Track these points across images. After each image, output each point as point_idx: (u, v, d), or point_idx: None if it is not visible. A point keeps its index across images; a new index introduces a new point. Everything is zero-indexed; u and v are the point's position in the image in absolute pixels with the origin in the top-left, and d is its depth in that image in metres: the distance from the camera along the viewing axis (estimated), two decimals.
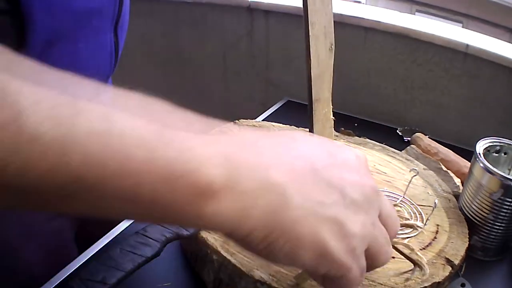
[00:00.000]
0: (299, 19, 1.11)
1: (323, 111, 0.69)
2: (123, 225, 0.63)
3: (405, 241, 0.54)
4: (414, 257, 0.50)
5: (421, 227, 0.57)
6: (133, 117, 0.26)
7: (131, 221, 0.64)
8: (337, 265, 0.30)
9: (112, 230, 0.62)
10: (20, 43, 0.46)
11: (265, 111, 1.00)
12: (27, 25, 0.45)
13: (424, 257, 0.51)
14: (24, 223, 0.59)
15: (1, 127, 0.22)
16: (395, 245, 0.51)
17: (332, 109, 0.71)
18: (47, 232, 0.62)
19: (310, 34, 0.61)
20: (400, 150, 0.77)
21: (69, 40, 0.51)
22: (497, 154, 0.63)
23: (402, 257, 0.52)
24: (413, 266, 0.50)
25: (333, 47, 0.65)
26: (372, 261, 0.32)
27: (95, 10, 0.52)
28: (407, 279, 0.49)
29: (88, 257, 0.57)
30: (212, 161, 0.26)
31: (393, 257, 0.51)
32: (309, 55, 0.63)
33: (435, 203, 0.57)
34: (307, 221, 0.28)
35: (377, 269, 0.49)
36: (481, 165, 0.57)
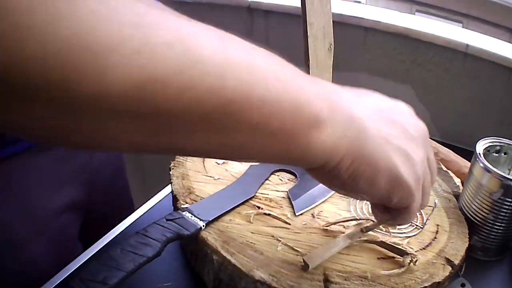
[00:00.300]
0: (299, 19, 1.11)
1: None
2: (125, 223, 0.63)
3: (405, 242, 0.54)
4: (401, 248, 0.51)
5: (421, 227, 0.57)
6: (264, 53, 0.30)
7: (131, 221, 0.64)
8: (407, 191, 0.36)
9: (113, 230, 0.62)
10: None
11: None
12: None
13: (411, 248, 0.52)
14: (34, 218, 0.59)
15: (170, 45, 0.23)
16: (378, 240, 0.52)
17: None
18: (54, 227, 0.63)
19: (308, 34, 0.62)
20: None
21: None
22: (497, 154, 0.63)
23: (402, 256, 0.52)
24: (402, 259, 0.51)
25: (332, 47, 0.65)
26: (426, 187, 0.38)
27: None
28: (401, 267, 0.50)
29: (90, 256, 0.58)
30: (319, 97, 0.31)
31: (393, 257, 0.52)
32: (308, 56, 0.63)
33: (435, 203, 0.57)
34: (382, 148, 0.34)
35: (377, 269, 0.49)
36: (481, 165, 0.57)
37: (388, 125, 0.35)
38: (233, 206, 0.56)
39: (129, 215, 0.66)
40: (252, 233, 0.53)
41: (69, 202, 0.64)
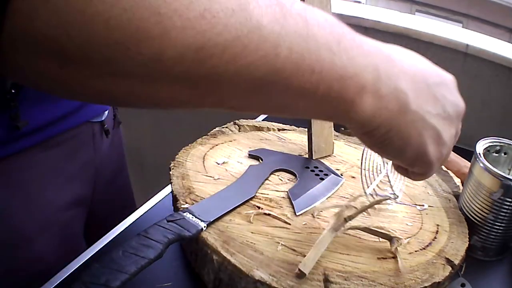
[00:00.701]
0: None
1: None
2: (125, 223, 0.63)
3: (405, 241, 0.54)
4: (386, 232, 0.53)
5: (396, 195, 0.61)
6: (323, 23, 0.31)
7: (132, 221, 0.64)
8: (427, 166, 0.39)
9: (113, 230, 0.62)
10: None
11: None
12: None
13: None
14: (40, 214, 0.60)
15: (232, 12, 0.25)
16: (362, 227, 0.53)
17: None
18: (60, 222, 0.63)
19: None
20: None
21: None
22: (497, 154, 0.63)
23: (403, 257, 0.52)
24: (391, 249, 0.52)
25: None
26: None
27: None
28: (390, 252, 0.52)
29: (91, 255, 0.58)
30: (367, 69, 0.33)
31: (393, 257, 0.52)
32: None
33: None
34: (417, 125, 0.36)
35: (377, 269, 0.49)
36: (481, 165, 0.57)
37: (429, 102, 0.37)
38: (233, 207, 0.56)
39: (131, 212, 0.66)
40: (252, 233, 0.53)
41: (74, 198, 0.65)
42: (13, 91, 0.48)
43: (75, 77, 0.23)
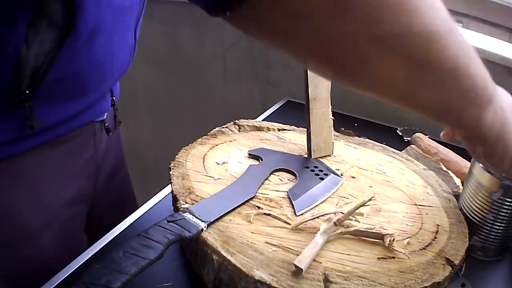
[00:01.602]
0: None
1: (321, 110, 0.69)
2: (126, 223, 0.63)
3: (405, 241, 0.55)
4: (376, 231, 0.53)
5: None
6: (459, 33, 0.36)
7: (132, 220, 0.64)
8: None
9: (113, 230, 0.62)
10: (67, 31, 0.48)
11: (265, 111, 1.00)
12: (78, 14, 0.48)
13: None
14: (44, 210, 0.60)
15: (442, 11, 0.33)
16: (353, 230, 0.53)
17: (332, 109, 0.71)
18: (63, 219, 0.64)
19: None
20: (400, 150, 0.77)
21: (106, 33, 0.54)
22: None
23: (403, 257, 0.52)
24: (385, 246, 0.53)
25: None
26: None
27: (128, 8, 0.57)
28: (388, 247, 0.52)
29: (90, 256, 0.58)
30: (489, 82, 0.41)
31: (393, 257, 0.52)
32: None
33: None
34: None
35: (377, 269, 0.49)
36: (481, 165, 0.57)
37: None
38: (234, 207, 0.56)
39: (132, 207, 0.66)
40: (252, 233, 0.53)
41: (76, 195, 0.66)
42: (27, 91, 0.49)
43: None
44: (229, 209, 0.55)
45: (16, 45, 0.45)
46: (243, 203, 0.57)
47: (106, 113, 0.69)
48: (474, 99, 0.39)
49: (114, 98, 0.70)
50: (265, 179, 0.63)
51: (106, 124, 0.70)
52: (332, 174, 0.65)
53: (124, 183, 0.83)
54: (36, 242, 0.60)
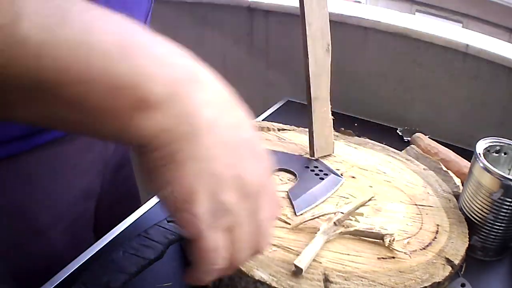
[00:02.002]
0: (299, 19, 1.11)
1: (322, 109, 0.69)
2: (126, 222, 0.63)
3: (405, 241, 0.54)
4: (376, 231, 0.53)
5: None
6: (112, 28, 0.29)
7: (132, 220, 0.64)
8: (187, 221, 0.31)
9: (113, 230, 0.62)
10: None
11: (265, 111, 1.00)
12: None
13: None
14: (54, 206, 0.61)
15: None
16: (353, 230, 0.53)
17: (331, 108, 0.71)
18: (72, 215, 0.64)
19: (307, 33, 0.62)
20: (400, 150, 0.77)
21: None
22: (497, 154, 0.63)
23: (403, 257, 0.52)
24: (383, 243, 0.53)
25: (330, 48, 0.66)
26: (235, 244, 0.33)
27: (136, 3, 0.55)
28: (388, 247, 0.52)
29: (89, 256, 0.58)
30: (159, 80, 0.29)
31: (393, 257, 0.52)
32: (307, 54, 0.63)
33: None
34: (196, 165, 0.30)
35: (377, 269, 0.49)
36: (481, 165, 0.57)
37: (224, 154, 0.31)
38: None
39: (136, 203, 0.66)
40: None
41: (85, 192, 0.66)
42: None
43: None
44: None
45: None
46: None
47: None
48: (116, 101, 0.28)
49: None
50: None
51: None
52: (332, 174, 0.65)
53: (129, 179, 0.83)
54: (45, 239, 0.61)
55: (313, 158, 0.70)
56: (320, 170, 0.66)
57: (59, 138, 0.58)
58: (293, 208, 0.58)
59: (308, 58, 0.64)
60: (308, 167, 0.67)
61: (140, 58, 0.29)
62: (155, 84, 0.29)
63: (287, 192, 0.61)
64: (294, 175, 0.65)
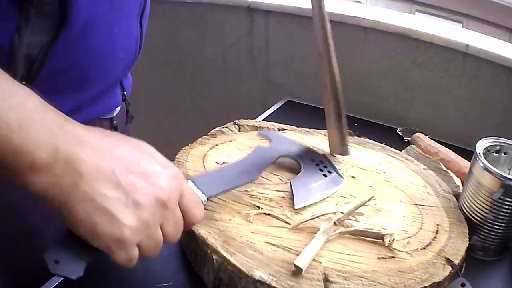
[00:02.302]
0: (299, 19, 1.11)
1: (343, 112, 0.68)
2: None
3: (405, 241, 0.54)
4: (376, 231, 0.53)
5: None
6: (11, 105, 0.35)
7: None
8: (105, 245, 0.39)
9: None
10: (63, 21, 0.48)
11: (265, 111, 1.00)
12: (70, 5, 0.48)
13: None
14: (47, 205, 0.60)
15: None
16: (353, 229, 0.53)
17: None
18: None
19: (329, 41, 0.62)
20: (400, 150, 0.77)
21: (104, 24, 0.54)
22: (497, 154, 0.63)
23: (403, 257, 0.52)
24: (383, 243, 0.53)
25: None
26: (145, 251, 0.41)
27: None
28: (388, 246, 0.52)
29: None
30: (44, 148, 0.36)
31: (393, 257, 0.52)
32: (330, 62, 0.63)
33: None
34: (86, 204, 0.38)
35: (377, 269, 0.49)
36: (481, 165, 0.57)
37: (108, 186, 0.38)
38: (235, 185, 0.56)
39: None
40: (252, 232, 0.53)
41: None
42: (23, 83, 0.49)
43: None
44: (231, 187, 0.55)
45: (10, 37, 0.46)
46: (245, 183, 0.57)
47: (116, 110, 0.69)
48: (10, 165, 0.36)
49: (125, 92, 0.69)
50: (270, 163, 0.62)
51: (114, 122, 0.70)
52: (335, 173, 0.65)
53: None
54: (39, 238, 0.60)
55: (320, 153, 0.69)
56: (325, 167, 0.66)
57: None
58: (293, 200, 0.58)
59: (332, 66, 0.64)
60: (313, 161, 0.66)
61: (31, 129, 0.36)
62: (42, 152, 0.36)
63: (289, 182, 0.61)
64: (298, 168, 0.65)
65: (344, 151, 0.69)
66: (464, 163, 0.74)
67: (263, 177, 0.64)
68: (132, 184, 0.39)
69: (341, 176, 0.65)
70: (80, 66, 0.54)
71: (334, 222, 0.53)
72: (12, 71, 0.48)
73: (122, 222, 0.38)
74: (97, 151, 0.38)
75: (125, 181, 0.39)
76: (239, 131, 0.77)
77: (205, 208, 0.55)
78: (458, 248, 0.54)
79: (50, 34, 0.49)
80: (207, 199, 0.51)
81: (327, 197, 0.61)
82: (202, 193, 0.51)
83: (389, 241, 0.52)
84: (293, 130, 0.80)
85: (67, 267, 0.41)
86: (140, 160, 0.41)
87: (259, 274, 0.47)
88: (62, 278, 0.54)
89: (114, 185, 0.38)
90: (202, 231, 0.52)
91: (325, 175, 0.64)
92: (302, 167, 0.64)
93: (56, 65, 0.50)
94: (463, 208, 0.62)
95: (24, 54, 0.48)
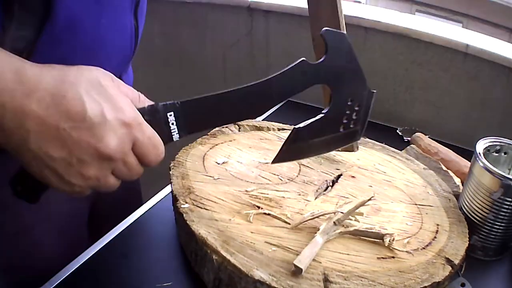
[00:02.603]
0: (299, 19, 1.11)
1: None
2: (126, 222, 0.63)
3: (405, 241, 0.54)
4: (376, 231, 0.53)
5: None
6: None
7: (132, 220, 0.64)
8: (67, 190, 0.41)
9: (112, 230, 0.62)
10: (47, 14, 0.48)
11: None
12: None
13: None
14: (42, 203, 0.60)
15: None
16: (353, 229, 0.53)
17: None
18: (60, 213, 0.63)
19: None
20: (400, 150, 0.77)
21: (92, 16, 0.53)
22: (497, 154, 0.63)
23: (403, 257, 0.52)
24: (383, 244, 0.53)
25: None
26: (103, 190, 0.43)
27: None
28: (388, 246, 0.52)
29: (97, 249, 0.58)
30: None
31: (393, 257, 0.52)
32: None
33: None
34: (37, 163, 0.39)
35: (377, 269, 0.49)
36: (481, 164, 0.57)
37: (52, 146, 0.38)
38: (223, 123, 0.51)
39: (137, 207, 0.66)
40: (251, 232, 0.53)
41: None
42: None
43: None
44: (216, 126, 0.50)
45: None
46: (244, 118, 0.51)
47: None
48: None
49: None
50: (272, 106, 0.52)
51: None
52: (358, 128, 0.56)
53: (131, 185, 0.83)
54: (31, 236, 0.61)
55: (367, 91, 0.59)
56: (356, 115, 0.56)
57: None
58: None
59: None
60: (346, 100, 0.54)
61: None
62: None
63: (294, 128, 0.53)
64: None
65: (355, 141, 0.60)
66: (464, 163, 0.74)
67: (263, 177, 0.64)
68: (76, 142, 0.38)
69: (360, 134, 0.57)
70: (68, 60, 0.53)
71: (334, 222, 0.53)
72: None
73: (70, 182, 0.40)
74: (44, 104, 0.38)
75: (69, 139, 0.38)
76: (239, 131, 0.78)
77: (205, 209, 0.56)
78: (458, 248, 0.54)
79: (35, 29, 0.48)
80: (179, 138, 0.46)
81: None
82: (177, 132, 0.46)
83: (389, 241, 0.52)
84: None
85: (27, 194, 0.44)
86: (86, 110, 0.39)
87: (259, 274, 0.47)
88: (62, 278, 0.54)
89: (58, 144, 0.38)
90: (202, 231, 0.52)
91: (345, 128, 0.55)
92: (331, 99, 0.53)
93: (44, 59, 0.50)
94: (463, 207, 0.62)
95: (9, 48, 0.48)
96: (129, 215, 0.65)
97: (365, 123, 0.58)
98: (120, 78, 0.68)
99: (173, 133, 0.46)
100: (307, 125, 0.52)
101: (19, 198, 0.44)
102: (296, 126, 0.52)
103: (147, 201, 0.68)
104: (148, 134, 0.42)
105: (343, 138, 0.56)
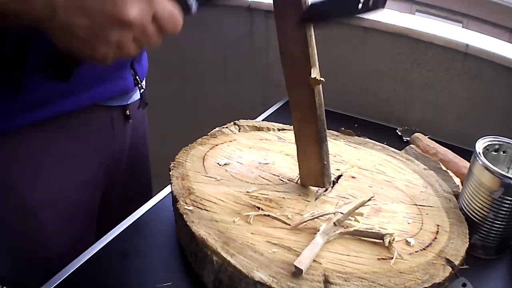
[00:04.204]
0: None
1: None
2: (126, 223, 0.63)
3: (412, 242, 0.54)
4: (375, 231, 0.53)
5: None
6: None
7: (131, 221, 0.64)
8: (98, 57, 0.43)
9: (112, 230, 0.62)
10: None
11: (265, 111, 1.00)
12: None
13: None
14: (45, 188, 0.61)
15: None
16: (353, 230, 0.53)
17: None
18: (66, 200, 0.64)
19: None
20: (400, 150, 0.77)
21: None
22: (496, 153, 0.63)
23: (403, 258, 0.52)
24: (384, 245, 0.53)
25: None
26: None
27: None
28: (386, 248, 0.52)
29: (103, 244, 0.59)
30: None
31: (393, 257, 0.51)
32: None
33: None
34: (61, 33, 0.41)
35: (377, 270, 0.49)
36: (481, 163, 0.57)
37: (79, 15, 0.40)
38: None
39: (147, 200, 0.67)
40: (252, 234, 0.53)
41: (83, 181, 0.65)
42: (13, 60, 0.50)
43: None
44: None
45: None
46: None
47: (132, 97, 0.68)
48: None
49: (138, 77, 0.67)
50: None
51: (127, 112, 0.69)
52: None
53: (143, 176, 0.83)
54: (34, 219, 0.61)
55: None
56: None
57: (50, 122, 0.58)
58: None
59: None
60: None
61: None
62: None
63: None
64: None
65: (323, 182, 0.61)
66: (463, 163, 0.74)
67: (263, 178, 0.64)
68: (99, 11, 0.41)
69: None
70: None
71: (334, 223, 0.53)
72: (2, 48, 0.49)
73: (93, 47, 0.42)
74: None
75: (93, 8, 0.41)
76: (239, 131, 0.77)
77: (205, 209, 0.56)
78: (458, 248, 0.54)
79: None
80: (197, 10, 0.50)
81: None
82: (195, 2, 0.49)
83: (389, 242, 0.52)
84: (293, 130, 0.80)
85: (59, 73, 0.48)
86: None
87: (259, 275, 0.47)
88: (62, 278, 0.54)
89: (83, 13, 0.40)
90: (202, 232, 0.52)
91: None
92: None
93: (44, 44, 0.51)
94: (463, 207, 0.61)
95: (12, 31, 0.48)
96: (139, 207, 0.66)
97: None
98: (132, 67, 0.67)
99: (191, 5, 0.50)
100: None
101: (53, 80, 0.48)
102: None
103: (145, 202, 0.68)
104: (167, 6, 0.46)
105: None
